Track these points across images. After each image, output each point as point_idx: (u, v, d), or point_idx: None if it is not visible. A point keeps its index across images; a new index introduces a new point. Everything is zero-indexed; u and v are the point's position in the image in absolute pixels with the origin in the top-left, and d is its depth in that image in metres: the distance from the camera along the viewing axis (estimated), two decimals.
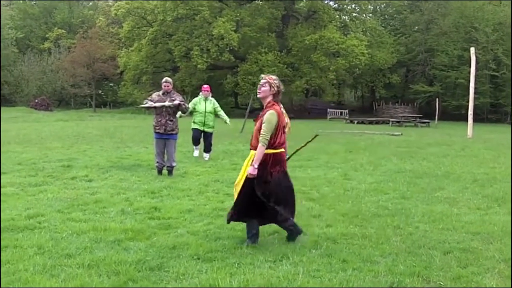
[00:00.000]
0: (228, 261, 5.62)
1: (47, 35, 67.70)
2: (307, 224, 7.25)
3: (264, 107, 6.25)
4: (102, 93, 65.34)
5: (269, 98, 6.23)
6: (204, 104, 14.32)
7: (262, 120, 6.09)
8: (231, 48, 47.38)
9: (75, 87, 59.04)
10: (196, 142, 14.84)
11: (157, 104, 11.30)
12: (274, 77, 6.35)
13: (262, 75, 6.38)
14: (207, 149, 14.64)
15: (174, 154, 11.65)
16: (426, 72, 54.08)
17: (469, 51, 28.05)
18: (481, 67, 45.09)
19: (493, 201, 9.16)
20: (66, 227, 6.83)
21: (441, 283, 5.09)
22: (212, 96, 14.78)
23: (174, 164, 11.58)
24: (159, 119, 11.41)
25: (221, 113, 14.70)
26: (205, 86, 14.65)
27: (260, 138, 6.02)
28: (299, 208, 8.25)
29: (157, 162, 11.64)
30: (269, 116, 6.06)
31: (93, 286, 4.82)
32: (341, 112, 49.39)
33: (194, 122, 14.53)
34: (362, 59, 47.58)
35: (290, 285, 4.96)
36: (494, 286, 5.00)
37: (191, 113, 14.52)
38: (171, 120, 11.45)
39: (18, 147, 16.92)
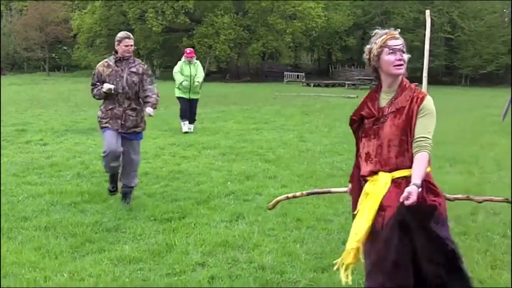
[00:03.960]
0: (185, 221, 5.73)
1: None
2: (263, 185, 7.39)
3: (400, 86, 3.56)
4: (56, 57, 63.59)
5: None
6: (189, 68, 12.78)
7: (413, 111, 3.40)
8: (186, 10, 46.58)
9: (28, 51, 57.35)
10: (186, 115, 12.94)
11: (106, 88, 6.15)
12: None
13: (394, 31, 3.72)
14: (192, 119, 13.13)
15: (137, 166, 6.58)
16: None
17: (424, 14, 28.34)
18: (437, 29, 45.59)
19: (444, 161, 9.45)
20: (21, 191, 6.82)
21: None
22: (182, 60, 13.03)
23: (134, 183, 6.49)
24: (110, 107, 6.30)
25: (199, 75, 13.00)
26: (188, 50, 13.22)
27: (423, 143, 3.32)
28: (255, 170, 8.42)
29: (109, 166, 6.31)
30: (432, 106, 3.43)
31: (50, 248, 4.86)
32: (298, 75, 49.42)
33: (179, 88, 12.90)
34: (318, 21, 47.48)
35: (245, 243, 5.10)
36: None
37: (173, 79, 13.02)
38: (134, 109, 6.33)
39: None
